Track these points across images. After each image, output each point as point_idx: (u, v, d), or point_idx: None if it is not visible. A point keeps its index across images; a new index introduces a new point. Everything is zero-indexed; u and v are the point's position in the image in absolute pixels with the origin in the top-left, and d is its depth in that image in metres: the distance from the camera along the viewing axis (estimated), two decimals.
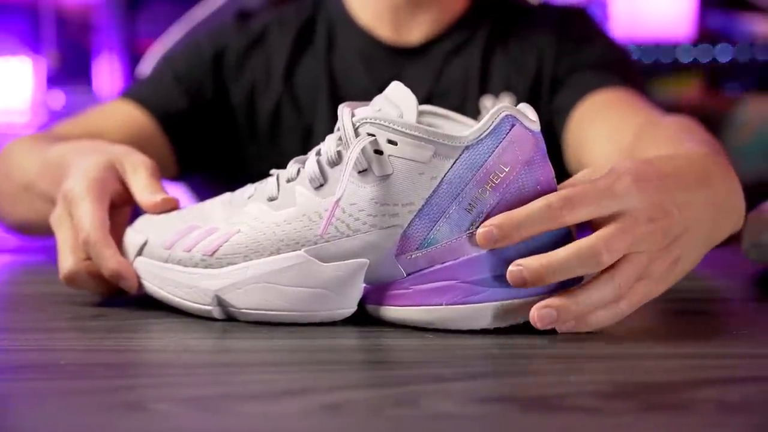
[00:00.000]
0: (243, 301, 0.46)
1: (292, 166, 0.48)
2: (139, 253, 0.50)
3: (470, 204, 0.43)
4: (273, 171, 0.49)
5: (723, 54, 2.12)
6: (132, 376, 0.37)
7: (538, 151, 0.44)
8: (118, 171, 0.55)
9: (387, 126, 0.44)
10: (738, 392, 0.35)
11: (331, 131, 0.47)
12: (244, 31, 0.93)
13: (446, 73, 0.91)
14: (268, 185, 0.48)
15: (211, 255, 0.47)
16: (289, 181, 0.47)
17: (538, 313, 0.42)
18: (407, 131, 0.44)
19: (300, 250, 0.45)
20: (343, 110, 0.46)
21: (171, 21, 1.24)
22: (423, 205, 0.44)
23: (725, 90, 2.22)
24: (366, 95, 0.91)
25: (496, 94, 0.89)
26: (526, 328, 0.45)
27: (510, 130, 0.43)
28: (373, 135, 0.44)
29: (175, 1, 1.79)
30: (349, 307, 0.46)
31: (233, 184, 0.56)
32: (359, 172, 0.44)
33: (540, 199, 0.43)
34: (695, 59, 2.13)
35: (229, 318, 0.47)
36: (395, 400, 0.33)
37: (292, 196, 0.46)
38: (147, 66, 1.14)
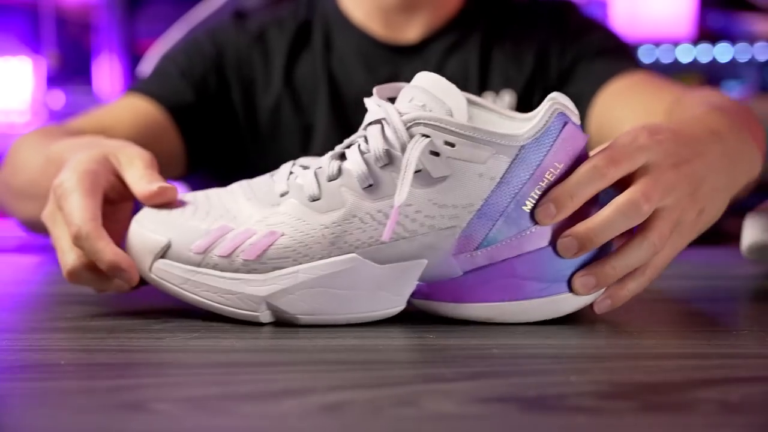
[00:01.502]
0: (298, 307, 0.45)
1: (330, 162, 0.46)
2: (161, 255, 0.47)
3: (527, 202, 0.44)
4: (304, 163, 0.48)
5: (723, 54, 2.12)
6: (132, 376, 0.37)
7: (583, 146, 0.45)
8: (112, 164, 0.52)
9: (444, 128, 0.43)
10: (739, 392, 0.35)
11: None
12: (242, 30, 0.94)
13: (444, 71, 0.91)
14: (305, 182, 0.46)
15: (255, 259, 0.45)
16: (330, 179, 0.46)
17: (579, 281, 0.45)
18: (465, 133, 0.43)
19: (353, 252, 0.45)
20: (387, 108, 0.45)
21: (171, 21, 1.24)
22: (482, 206, 0.44)
23: (725, 90, 2.22)
24: (365, 94, 0.91)
25: (496, 90, 0.90)
26: (526, 328, 0.45)
27: (563, 127, 0.44)
28: (428, 136, 0.44)
29: (175, 1, 1.79)
30: (402, 305, 0.46)
31: (234, 180, 0.56)
32: (414, 172, 0.44)
33: (584, 163, 0.44)
34: (695, 59, 2.13)
35: (275, 322, 0.46)
36: (395, 400, 0.33)
37: (339, 197, 0.45)
38: (147, 66, 1.14)
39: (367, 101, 0.48)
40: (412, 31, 0.91)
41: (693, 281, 0.63)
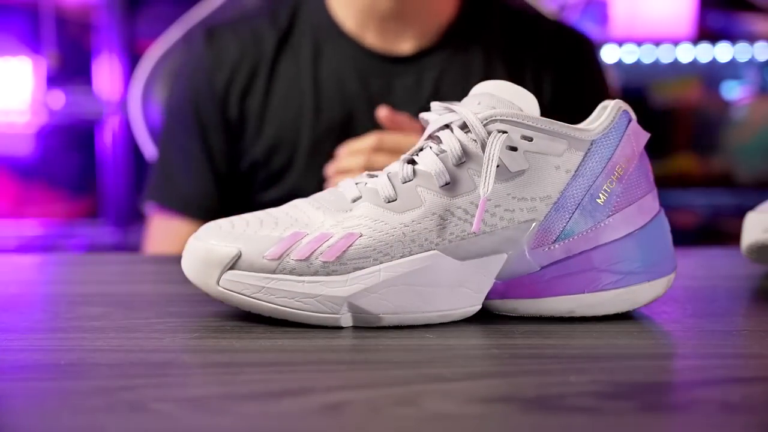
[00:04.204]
0: (380, 306, 0.45)
1: (403, 166, 0.47)
2: (231, 267, 0.45)
3: (601, 195, 0.46)
4: (369, 174, 0.48)
5: (723, 54, 2.12)
6: (132, 376, 0.37)
7: (643, 144, 0.48)
8: None
9: (521, 123, 0.45)
10: (739, 392, 0.35)
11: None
12: (215, 54, 0.92)
13: (443, 85, 0.91)
14: (379, 186, 0.47)
15: (335, 260, 0.45)
16: (405, 181, 0.46)
17: None
18: (542, 126, 0.45)
19: (433, 249, 0.45)
20: (461, 110, 0.46)
21: (171, 21, 1.24)
22: (559, 198, 0.46)
23: (725, 90, 2.22)
24: (357, 104, 0.91)
25: None
26: (525, 328, 0.45)
27: (628, 124, 0.47)
28: (505, 132, 0.45)
29: (175, 1, 1.79)
30: (479, 304, 0.47)
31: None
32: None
33: None
34: (695, 59, 2.13)
35: (356, 325, 0.46)
36: (395, 400, 0.33)
37: (416, 197, 0.46)
38: (146, 66, 1.14)
39: (426, 114, 0.49)
40: (405, 42, 0.91)
41: (693, 281, 0.63)
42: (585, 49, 0.98)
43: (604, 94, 0.98)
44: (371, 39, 0.91)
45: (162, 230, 0.95)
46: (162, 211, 0.94)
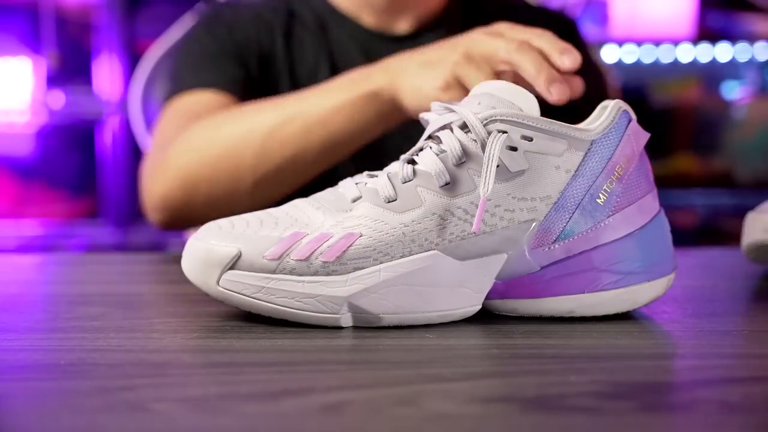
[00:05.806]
0: (380, 306, 0.45)
1: (403, 166, 0.47)
2: (231, 267, 0.45)
3: (601, 195, 0.46)
4: (369, 173, 0.48)
5: (723, 54, 2.12)
6: (132, 376, 0.37)
7: (643, 144, 0.48)
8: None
9: (521, 123, 0.45)
10: (738, 392, 0.35)
11: None
12: (234, 18, 0.92)
13: None
14: (379, 186, 0.47)
15: (335, 260, 0.45)
16: (405, 181, 0.46)
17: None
18: (542, 126, 0.45)
19: (433, 249, 0.45)
20: (461, 110, 0.46)
21: (171, 21, 1.24)
22: (559, 198, 0.46)
23: (725, 90, 2.22)
24: None
25: None
26: (525, 328, 0.45)
27: (628, 124, 0.47)
28: (505, 132, 0.45)
29: (175, 1, 1.79)
30: (479, 304, 0.47)
31: None
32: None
33: (512, 44, 0.58)
34: (695, 59, 2.13)
35: (356, 325, 0.46)
36: (395, 400, 0.33)
37: (416, 197, 0.46)
38: (146, 66, 1.14)
39: (426, 114, 0.49)
40: (402, 24, 0.93)
41: (693, 281, 0.63)
42: (572, 29, 1.00)
43: (594, 72, 0.99)
44: (369, 21, 0.93)
45: (185, 108, 0.86)
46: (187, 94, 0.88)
